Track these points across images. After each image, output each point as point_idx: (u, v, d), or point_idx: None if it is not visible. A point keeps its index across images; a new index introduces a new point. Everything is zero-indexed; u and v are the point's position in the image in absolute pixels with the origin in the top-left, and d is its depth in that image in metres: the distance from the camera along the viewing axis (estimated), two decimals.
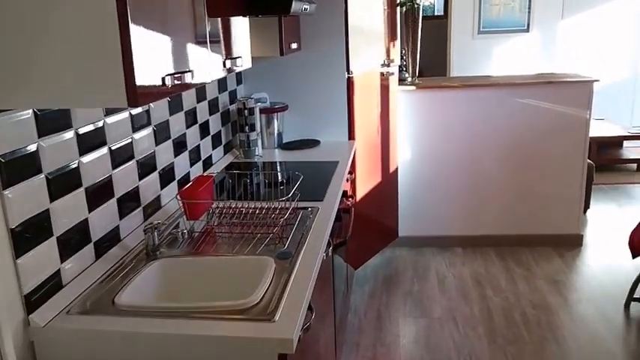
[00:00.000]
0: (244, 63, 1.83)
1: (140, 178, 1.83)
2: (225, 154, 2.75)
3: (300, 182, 1.94)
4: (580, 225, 3.81)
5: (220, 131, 2.68)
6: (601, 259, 3.58)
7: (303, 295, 1.36)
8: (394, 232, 3.78)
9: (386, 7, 3.36)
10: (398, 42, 3.60)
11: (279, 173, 2.53)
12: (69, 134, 1.43)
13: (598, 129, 5.30)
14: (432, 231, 3.84)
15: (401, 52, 3.78)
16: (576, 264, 3.52)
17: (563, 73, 3.91)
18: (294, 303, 1.32)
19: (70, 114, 1.44)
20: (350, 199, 2.75)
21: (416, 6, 3.50)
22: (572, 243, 3.78)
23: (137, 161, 1.80)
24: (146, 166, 1.87)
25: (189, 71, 1.35)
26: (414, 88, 3.59)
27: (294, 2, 1.80)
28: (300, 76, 2.98)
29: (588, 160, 3.76)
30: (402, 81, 3.69)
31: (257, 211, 1.93)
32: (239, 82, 3.00)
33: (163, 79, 1.22)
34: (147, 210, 1.87)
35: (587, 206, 4.34)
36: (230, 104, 2.83)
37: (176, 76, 1.27)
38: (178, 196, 1.78)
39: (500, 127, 3.63)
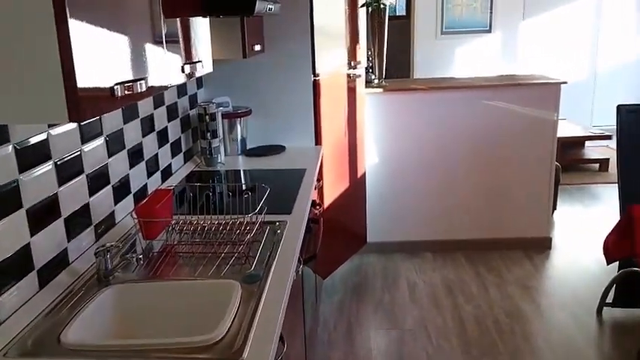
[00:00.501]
0: (205, 67, 1.68)
1: (91, 194, 1.66)
2: (185, 162, 2.59)
3: (267, 194, 1.81)
4: (549, 227, 3.79)
5: (180, 138, 2.53)
6: (571, 262, 3.56)
7: (273, 326, 1.23)
8: (363, 239, 3.68)
9: (347, 8, 3.25)
10: (364, 43, 3.50)
11: (243, 183, 2.39)
12: (6, 150, 1.27)
13: (561, 129, 5.33)
14: (401, 236, 3.76)
15: (367, 54, 3.69)
16: (546, 268, 3.49)
17: (530, 75, 3.89)
18: (263, 337, 1.19)
19: (7, 127, 1.27)
20: (318, 207, 2.63)
21: (382, 6, 3.41)
22: (542, 246, 3.76)
23: (87, 175, 1.64)
24: (97, 181, 1.71)
25: (142, 79, 1.21)
26: (381, 90, 3.50)
27: (258, 2, 1.67)
28: (263, 79, 2.84)
29: (555, 162, 3.75)
30: (368, 83, 3.60)
31: (221, 227, 1.79)
32: (199, 85, 2.84)
33: (112, 88, 1.07)
34: (99, 228, 1.71)
35: (554, 208, 4.34)
36: (190, 109, 2.68)
37: (127, 85, 1.13)
38: (134, 214, 1.63)
39: (468, 129, 3.58)
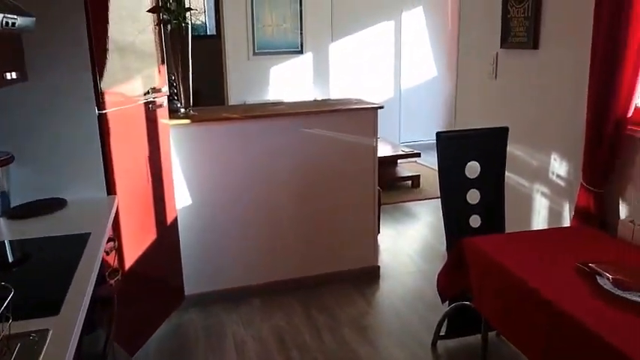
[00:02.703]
0: None
1: None
2: None
3: (12, 296, 1.24)
4: (376, 255, 3.67)
5: None
6: (399, 291, 3.46)
7: None
8: (180, 293, 3.16)
9: (155, 24, 2.76)
10: (165, 67, 3.01)
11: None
12: None
13: None
14: (224, 284, 3.32)
15: (170, 79, 3.20)
16: (378, 301, 3.33)
17: (347, 99, 3.75)
18: None
19: None
20: (115, 275, 2.09)
21: (184, 25, 2.97)
22: (371, 276, 3.61)
23: None
24: None
25: None
26: (188, 121, 3.04)
27: None
28: (30, 114, 2.20)
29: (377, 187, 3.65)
30: (174, 113, 3.12)
31: None
32: None
33: None
34: None
35: (377, 231, 4.27)
36: None
37: None
38: None
39: (289, 160, 3.29)
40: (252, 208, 3.29)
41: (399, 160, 6.07)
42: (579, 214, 2.54)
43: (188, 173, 3.12)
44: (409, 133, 7.51)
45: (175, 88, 3.23)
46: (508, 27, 3.09)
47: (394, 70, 7.27)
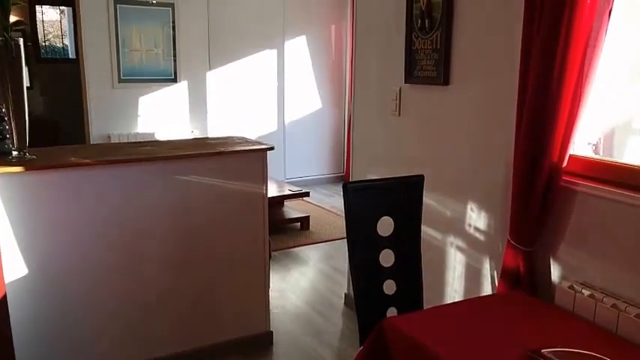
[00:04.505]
0: None
1: None
2: None
3: None
4: (268, 318, 3.12)
5: None
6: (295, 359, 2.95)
7: None
8: None
9: None
10: None
11: None
12: None
13: None
14: None
15: None
16: None
17: (229, 137, 3.20)
18: None
19: None
20: None
21: (13, 43, 2.26)
22: (263, 343, 3.06)
23: None
24: None
25: None
26: (21, 168, 2.31)
27: None
28: None
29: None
30: (3, 157, 2.37)
31: None
32: None
33: None
34: None
35: (268, 290, 3.74)
36: None
37: None
38: None
39: (160, 216, 2.65)
40: (111, 276, 2.59)
41: (285, 201, 5.59)
42: (507, 276, 2.20)
43: (22, 237, 2.37)
44: (294, 169, 7.10)
45: (6, 124, 2.49)
46: (413, 60, 2.75)
47: (277, 102, 6.85)
